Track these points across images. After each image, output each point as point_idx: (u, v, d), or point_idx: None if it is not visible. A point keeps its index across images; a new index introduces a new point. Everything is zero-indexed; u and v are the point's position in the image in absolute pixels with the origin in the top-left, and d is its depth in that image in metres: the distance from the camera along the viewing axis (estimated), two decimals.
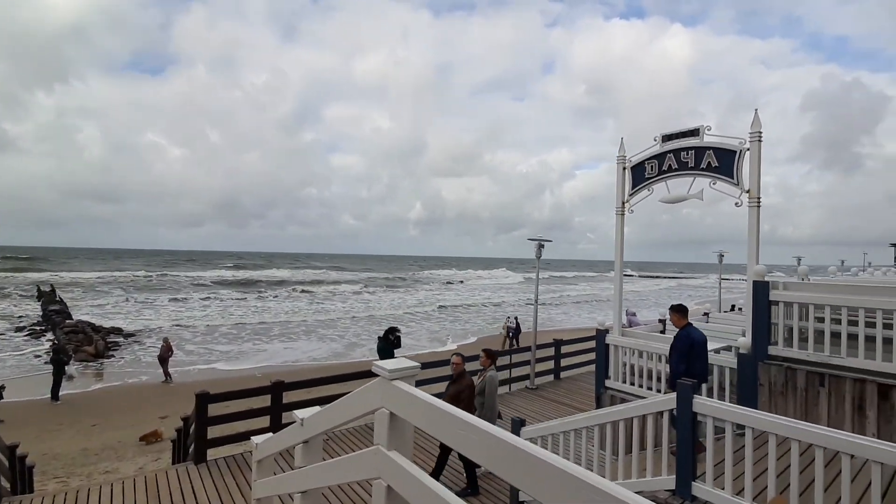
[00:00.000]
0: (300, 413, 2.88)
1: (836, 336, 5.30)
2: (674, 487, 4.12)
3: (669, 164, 7.02)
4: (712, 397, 5.59)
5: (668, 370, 6.26)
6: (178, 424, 9.07)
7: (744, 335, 6.57)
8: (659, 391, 6.68)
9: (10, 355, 20.93)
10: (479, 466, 6.20)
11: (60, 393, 15.16)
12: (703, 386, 5.78)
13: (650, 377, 7.01)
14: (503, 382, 11.55)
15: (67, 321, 26.65)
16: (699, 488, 3.98)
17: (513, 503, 5.80)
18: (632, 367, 7.36)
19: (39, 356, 20.57)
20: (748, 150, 6.18)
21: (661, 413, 4.34)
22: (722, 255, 18.90)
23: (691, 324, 5.97)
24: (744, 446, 3.65)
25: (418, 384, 2.43)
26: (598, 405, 7.64)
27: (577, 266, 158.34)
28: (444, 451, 6.48)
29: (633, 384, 7.29)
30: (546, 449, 2.39)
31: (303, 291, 51.07)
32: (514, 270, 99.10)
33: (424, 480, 1.84)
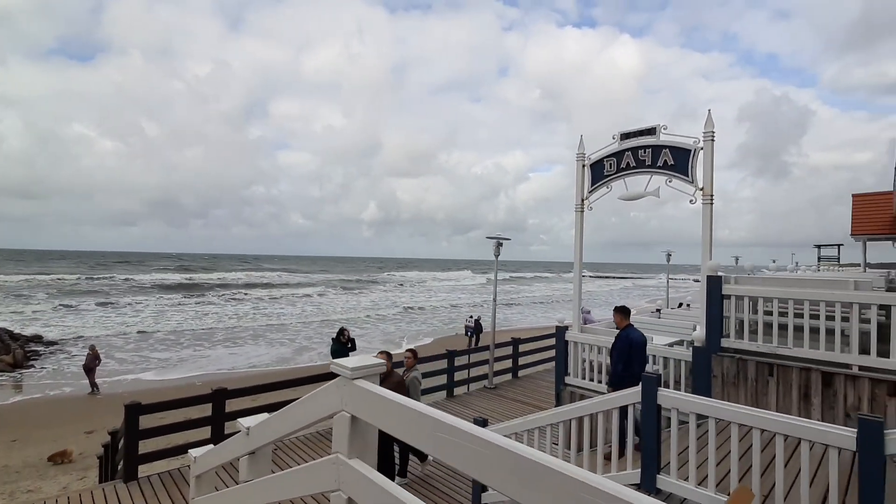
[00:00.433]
0: (245, 421, 2.62)
1: (783, 328, 5.54)
2: (639, 482, 4.08)
3: (628, 162, 7.13)
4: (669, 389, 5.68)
5: None
6: (105, 439, 8.23)
7: (695, 329, 6.76)
8: None
9: None
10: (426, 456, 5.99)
11: None
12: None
13: (609, 373, 7.06)
14: (461, 382, 11.40)
15: None
16: (664, 481, 3.96)
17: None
18: (591, 363, 7.40)
19: None
20: (702, 149, 6.37)
21: (625, 408, 4.30)
22: (669, 255, 19.80)
23: (632, 325, 6.17)
24: (705, 434, 3.67)
25: None
26: (559, 402, 7.63)
27: (532, 267, 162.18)
28: (387, 444, 6.04)
29: (592, 380, 7.33)
30: None
31: (247, 294, 48.65)
32: (474, 272, 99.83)
33: (392, 490, 1.63)
